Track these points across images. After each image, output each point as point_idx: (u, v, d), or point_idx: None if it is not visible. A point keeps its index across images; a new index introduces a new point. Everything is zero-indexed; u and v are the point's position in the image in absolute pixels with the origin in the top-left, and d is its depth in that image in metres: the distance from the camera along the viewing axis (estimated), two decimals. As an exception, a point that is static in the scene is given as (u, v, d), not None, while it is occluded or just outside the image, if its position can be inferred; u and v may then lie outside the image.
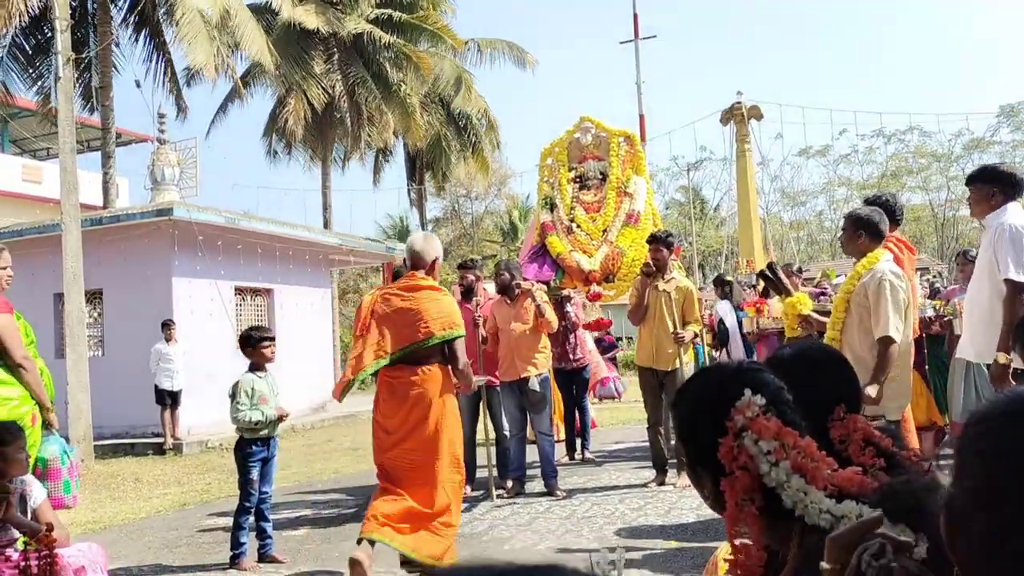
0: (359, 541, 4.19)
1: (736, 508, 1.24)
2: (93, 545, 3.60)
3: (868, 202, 4.89)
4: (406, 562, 4.33)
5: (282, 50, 19.56)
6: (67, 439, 5.15)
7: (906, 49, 69.70)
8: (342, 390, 4.52)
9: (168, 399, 11.07)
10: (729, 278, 9.86)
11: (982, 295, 4.08)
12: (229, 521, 6.25)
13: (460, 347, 4.44)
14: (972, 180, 4.25)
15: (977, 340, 4.12)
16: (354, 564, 4.02)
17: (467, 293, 6.85)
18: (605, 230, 7.54)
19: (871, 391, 4.00)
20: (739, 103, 16.71)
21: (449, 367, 4.44)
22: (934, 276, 19.12)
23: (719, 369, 1.46)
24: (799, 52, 72.53)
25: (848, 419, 1.63)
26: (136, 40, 16.81)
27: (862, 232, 4.32)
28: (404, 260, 4.79)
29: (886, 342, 4.03)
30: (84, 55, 15.04)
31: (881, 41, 69.50)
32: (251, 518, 4.94)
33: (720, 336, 8.75)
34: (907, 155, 37.18)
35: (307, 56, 20.72)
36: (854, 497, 1.24)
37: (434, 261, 4.59)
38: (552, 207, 7.91)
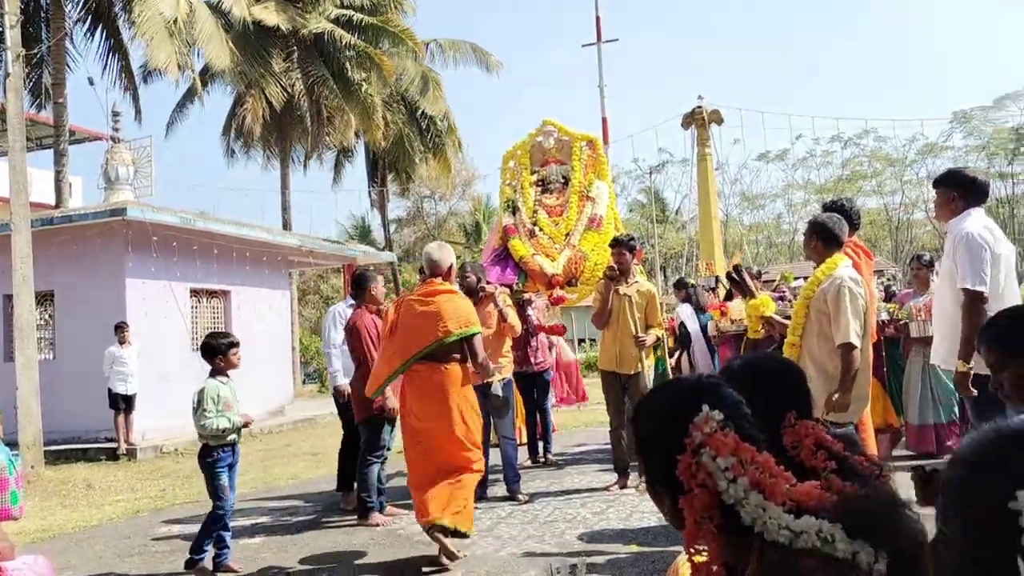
0: (427, 531, 4.69)
1: (695, 525, 1.22)
2: (39, 558, 3.50)
3: (826, 207, 4.93)
4: (431, 529, 4.68)
5: (241, 47, 19.31)
6: (12, 445, 5.00)
7: (862, 55, 71.02)
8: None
9: (122, 403, 10.84)
10: (692, 281, 9.93)
11: (945, 301, 4.12)
12: (184, 529, 6.15)
13: (478, 342, 4.89)
14: (936, 184, 4.30)
15: (943, 346, 4.16)
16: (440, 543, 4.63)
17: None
18: (568, 234, 7.54)
19: (842, 398, 4.03)
20: (700, 107, 16.83)
21: (468, 362, 4.92)
22: (889, 279, 19.46)
23: (677, 384, 1.44)
24: (759, 58, 73.51)
25: (799, 425, 1.63)
26: (91, 36, 16.48)
27: (815, 237, 4.36)
28: (421, 267, 5.45)
29: (848, 348, 4.07)
30: (36, 51, 14.68)
31: (839, 47, 70.75)
32: (221, 524, 4.85)
33: (681, 339, 8.80)
34: (863, 159, 37.87)
35: (266, 54, 20.49)
36: (812, 512, 1.23)
37: (450, 267, 5.06)
38: (514, 210, 7.89)
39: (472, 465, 4.85)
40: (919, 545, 1.20)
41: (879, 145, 36.75)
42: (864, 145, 37.12)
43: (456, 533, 4.67)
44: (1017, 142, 33.83)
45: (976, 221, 4.02)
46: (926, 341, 6.97)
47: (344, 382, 6.52)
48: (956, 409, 7.00)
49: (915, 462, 4.56)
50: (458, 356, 4.86)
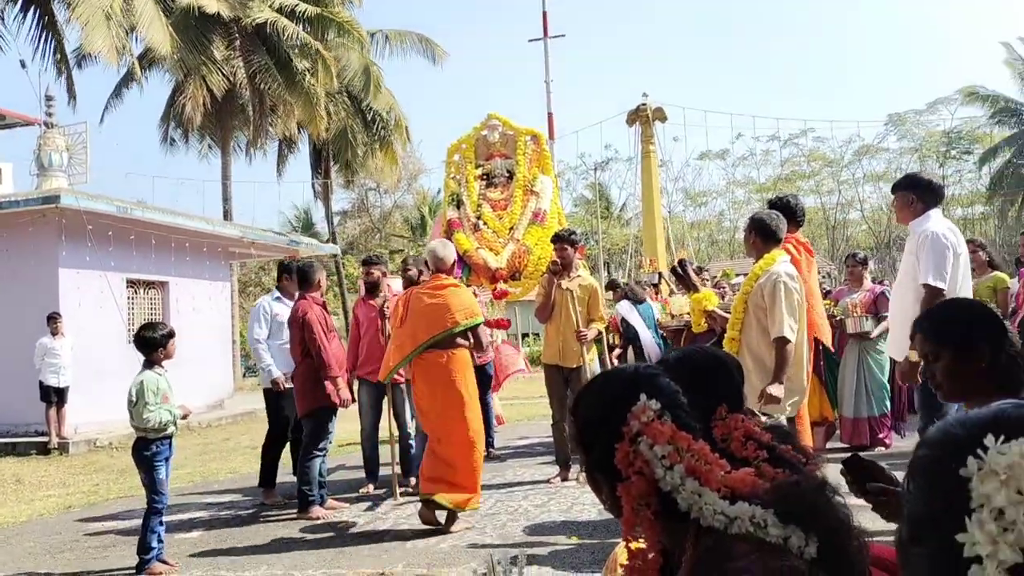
0: (422, 501, 5.24)
1: (632, 513, 1.25)
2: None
3: (772, 204, 5.03)
4: (427, 504, 5.21)
5: (181, 33, 18.87)
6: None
7: (800, 57, 72.57)
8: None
9: (54, 396, 10.54)
10: (624, 281, 10.08)
11: (905, 297, 4.25)
12: (118, 524, 6.01)
13: (481, 331, 5.49)
14: (896, 188, 4.45)
15: (899, 339, 4.29)
16: (425, 517, 5.18)
17: (372, 289, 6.77)
18: (512, 228, 7.56)
19: (774, 391, 4.13)
20: (644, 105, 17.01)
21: (471, 350, 5.48)
22: (823, 277, 19.94)
23: (615, 374, 1.46)
24: (702, 57, 74.55)
25: (729, 418, 1.67)
26: (23, 17, 15.91)
27: (754, 233, 4.47)
28: (425, 263, 5.93)
29: (782, 342, 4.17)
30: (-38, 31, 14.13)
31: (778, 48, 72.17)
32: (162, 518, 4.74)
33: (626, 334, 8.91)
34: (801, 159, 38.69)
35: (207, 41, 20.06)
36: (746, 498, 1.26)
37: (452, 263, 5.62)
38: (459, 204, 7.88)
39: (476, 443, 5.32)
40: (847, 529, 1.25)
41: (816, 146, 37.62)
42: (802, 145, 37.97)
43: (451, 513, 5.20)
44: (948, 145, 34.97)
45: (939, 222, 4.19)
46: (860, 336, 7.20)
47: (280, 374, 6.42)
48: (888, 403, 7.24)
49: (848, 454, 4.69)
50: (463, 343, 5.37)
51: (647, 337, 8.54)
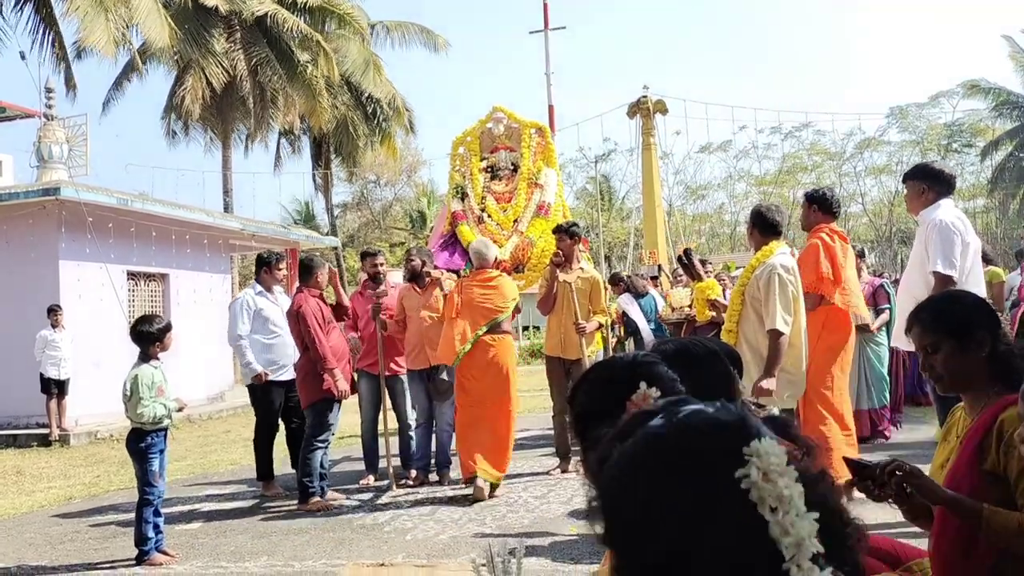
0: (467, 482, 5.88)
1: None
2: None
3: (809, 197, 5.12)
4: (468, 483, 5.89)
5: (180, 25, 18.81)
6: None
7: (801, 49, 72.41)
8: (455, 358, 5.93)
9: (54, 388, 10.54)
10: (626, 274, 10.10)
11: (915, 287, 4.25)
12: (119, 516, 6.03)
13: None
14: (907, 178, 4.47)
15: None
16: (478, 494, 5.75)
17: (373, 280, 6.79)
18: (516, 220, 7.56)
19: (767, 384, 4.13)
20: (645, 97, 17.01)
21: (512, 333, 6.30)
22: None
23: (614, 363, 1.46)
24: (703, 49, 74.38)
25: None
26: (20, 9, 15.84)
27: (754, 226, 4.49)
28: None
29: (775, 335, 4.17)
30: (-38, 23, 14.10)
31: (781, 40, 72.00)
32: (153, 510, 4.75)
33: (627, 327, 8.94)
34: (802, 152, 38.62)
35: (207, 33, 20.01)
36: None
37: (496, 259, 6.35)
38: (463, 196, 7.88)
39: (514, 420, 6.07)
40: (845, 520, 1.25)
41: (818, 139, 37.56)
42: (803, 138, 37.91)
43: (492, 486, 5.87)
44: (950, 138, 34.91)
45: (948, 211, 4.19)
46: (860, 329, 7.20)
47: (262, 369, 6.40)
48: (887, 394, 7.26)
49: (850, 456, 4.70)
50: (508, 329, 6.16)
51: (646, 329, 8.56)
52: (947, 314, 2.22)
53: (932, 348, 2.18)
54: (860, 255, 7.60)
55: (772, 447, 0.84)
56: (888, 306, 7.22)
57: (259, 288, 6.65)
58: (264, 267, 6.69)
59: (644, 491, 0.84)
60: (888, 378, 7.24)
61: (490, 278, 6.11)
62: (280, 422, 6.65)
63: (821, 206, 4.94)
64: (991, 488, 1.99)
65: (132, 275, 12.81)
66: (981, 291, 4.37)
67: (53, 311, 10.59)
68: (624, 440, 0.86)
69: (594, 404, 1.37)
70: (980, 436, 2.03)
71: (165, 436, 4.82)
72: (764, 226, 4.45)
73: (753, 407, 3.04)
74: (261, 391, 6.48)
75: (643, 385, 1.29)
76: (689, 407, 0.87)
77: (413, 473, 6.56)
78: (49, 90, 14.26)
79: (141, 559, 4.69)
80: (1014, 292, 7.39)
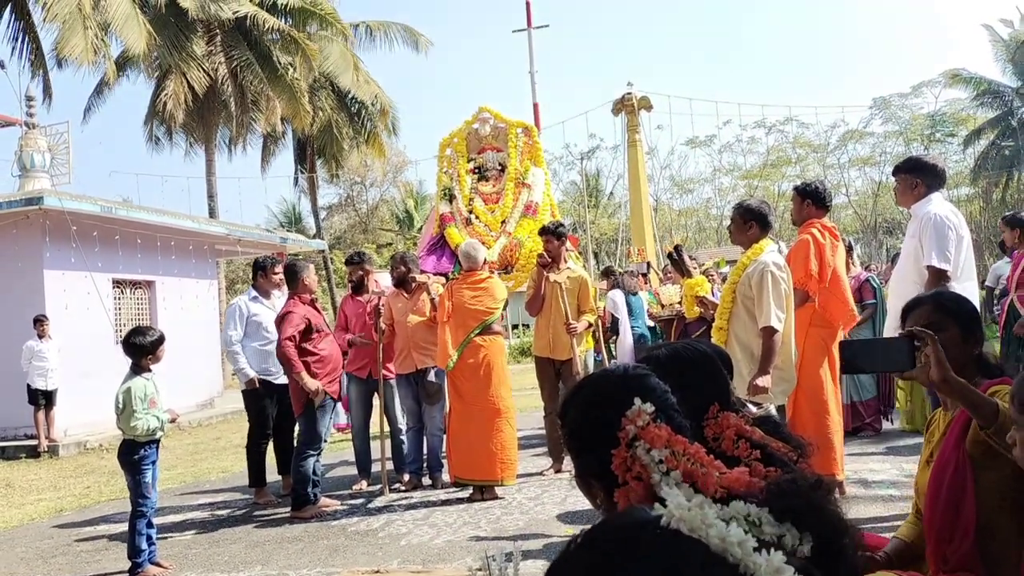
0: (477, 489, 5.93)
1: (630, 518, 1.24)
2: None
3: (801, 191, 5.02)
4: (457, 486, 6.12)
5: (159, 30, 18.69)
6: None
7: (786, 42, 72.62)
8: (449, 360, 5.97)
9: (42, 399, 10.48)
10: (619, 268, 10.06)
11: (907, 279, 4.26)
12: (111, 528, 5.99)
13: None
14: (898, 171, 4.46)
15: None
16: (473, 497, 5.89)
17: (357, 288, 6.77)
18: (503, 221, 7.55)
19: (761, 381, 4.13)
20: (630, 94, 17.02)
21: (502, 333, 6.40)
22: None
23: (605, 377, 1.45)
24: (686, 44, 74.48)
25: (721, 417, 1.68)
26: (0, 17, 15.72)
27: (753, 223, 4.46)
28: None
29: (769, 332, 4.18)
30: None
31: (762, 35, 72.17)
32: (147, 522, 4.72)
33: (612, 325, 8.91)
34: (786, 145, 38.73)
35: (186, 37, 19.87)
36: (742, 497, 1.26)
37: (484, 261, 6.33)
38: (451, 198, 7.86)
39: (509, 420, 6.04)
40: (842, 527, 1.25)
41: (801, 131, 37.66)
42: (787, 132, 37.99)
43: (489, 487, 5.92)
44: (932, 128, 35.08)
45: (941, 204, 4.21)
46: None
47: (255, 374, 6.38)
48: (875, 387, 7.29)
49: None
50: (499, 330, 6.24)
51: (625, 331, 8.51)
52: (959, 303, 2.33)
53: (936, 328, 2.21)
54: (849, 249, 7.60)
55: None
56: (873, 301, 7.24)
57: (254, 294, 6.64)
58: (260, 272, 6.68)
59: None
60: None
61: (480, 280, 6.14)
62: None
63: (815, 200, 4.88)
64: (977, 468, 2.06)
65: (118, 283, 12.73)
66: (974, 284, 4.39)
67: (39, 321, 10.52)
68: None
69: (588, 420, 1.36)
70: (967, 417, 2.10)
71: (157, 447, 4.80)
72: (763, 223, 4.46)
73: (749, 405, 3.06)
74: (254, 397, 6.45)
75: (637, 401, 1.28)
76: None
77: (406, 477, 6.54)
78: (30, 98, 14.15)
79: (134, 571, 4.65)
80: (1002, 281, 7.43)
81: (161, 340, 4.81)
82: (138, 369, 4.75)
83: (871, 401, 7.28)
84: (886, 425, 7.36)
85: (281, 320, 5.86)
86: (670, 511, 1.01)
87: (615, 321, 8.72)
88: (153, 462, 4.76)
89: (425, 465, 6.60)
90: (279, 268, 6.73)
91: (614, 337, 8.82)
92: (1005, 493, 2.03)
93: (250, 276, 7.32)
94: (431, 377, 6.43)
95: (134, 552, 4.66)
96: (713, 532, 0.99)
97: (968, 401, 1.93)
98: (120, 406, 4.64)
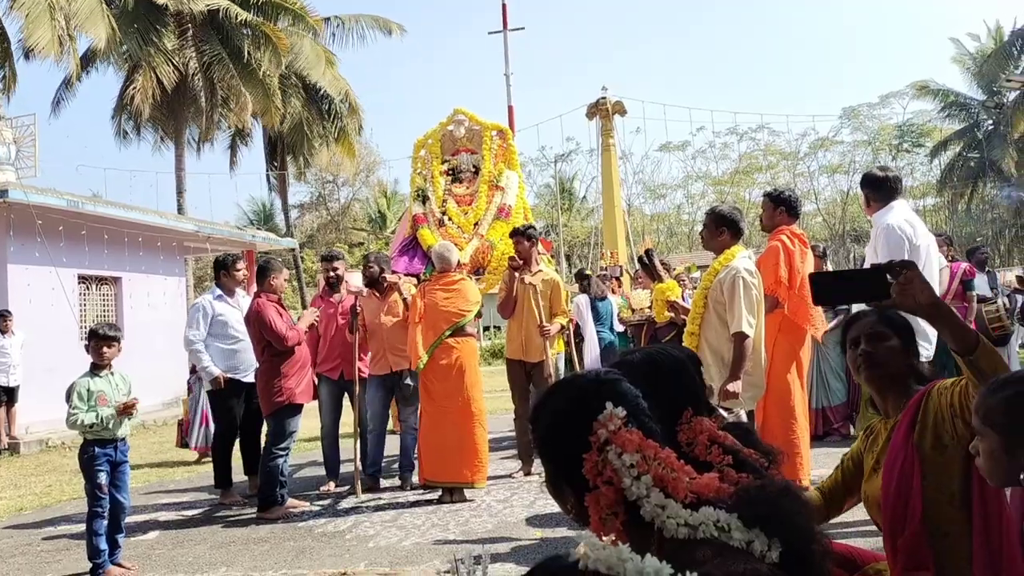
0: (446, 491, 5.90)
1: (600, 522, 1.24)
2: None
3: (772, 197, 5.05)
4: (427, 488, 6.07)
5: (128, 23, 18.44)
6: None
7: (758, 51, 73.35)
8: (419, 362, 5.94)
9: (3, 395, 10.28)
10: (588, 272, 10.05)
11: None
12: (72, 527, 5.89)
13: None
14: (861, 184, 4.59)
15: None
16: (443, 499, 5.87)
17: (334, 285, 6.73)
18: (476, 223, 7.53)
19: (732, 387, 4.16)
20: (604, 99, 17.08)
21: (475, 335, 6.33)
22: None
23: (576, 382, 1.44)
24: (662, 50, 74.99)
25: (694, 422, 1.69)
26: (-36, 7, 15.41)
27: (725, 229, 4.49)
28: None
29: (740, 337, 4.21)
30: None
31: (736, 43, 72.85)
32: (105, 523, 4.63)
33: (576, 330, 8.90)
34: (758, 153, 39.17)
35: (156, 30, 19.64)
36: (711, 503, 1.27)
37: (457, 262, 6.34)
38: (424, 199, 7.83)
39: (481, 421, 6.01)
40: (810, 533, 1.26)
41: (773, 139, 38.12)
42: (759, 139, 38.44)
43: (458, 490, 5.89)
44: (900, 138, 35.66)
45: (897, 214, 4.29)
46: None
47: (219, 371, 6.31)
48: (845, 393, 7.38)
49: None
50: (472, 332, 6.20)
51: (591, 338, 8.47)
52: (900, 317, 2.39)
53: (880, 338, 2.34)
54: (822, 256, 7.69)
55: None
56: (845, 307, 7.32)
57: (218, 292, 6.53)
58: (222, 270, 6.59)
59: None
60: (845, 377, 7.35)
61: (453, 282, 6.11)
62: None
63: (788, 208, 4.92)
64: (925, 463, 2.14)
65: (84, 279, 12.54)
66: (935, 287, 4.45)
67: (2, 316, 10.33)
68: None
69: (559, 425, 1.36)
70: (912, 415, 2.20)
71: (117, 448, 4.70)
72: (734, 229, 4.49)
73: (720, 410, 3.08)
74: (220, 396, 6.38)
75: (609, 405, 1.28)
76: None
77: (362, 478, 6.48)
78: (-6, 90, 13.89)
79: (96, 572, 4.58)
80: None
81: (105, 338, 4.70)
82: (95, 367, 4.68)
83: (840, 407, 7.37)
84: (854, 431, 7.44)
85: (260, 322, 5.78)
86: (585, 553, 1.06)
87: (579, 327, 8.69)
88: (113, 463, 4.68)
89: (396, 465, 6.57)
90: (241, 265, 6.66)
91: (578, 340, 8.79)
92: (954, 488, 2.10)
93: (221, 274, 7.19)
94: (407, 379, 6.40)
95: (93, 553, 4.59)
96: (630, 567, 1.02)
97: (953, 323, 1.94)
98: (66, 400, 4.59)
